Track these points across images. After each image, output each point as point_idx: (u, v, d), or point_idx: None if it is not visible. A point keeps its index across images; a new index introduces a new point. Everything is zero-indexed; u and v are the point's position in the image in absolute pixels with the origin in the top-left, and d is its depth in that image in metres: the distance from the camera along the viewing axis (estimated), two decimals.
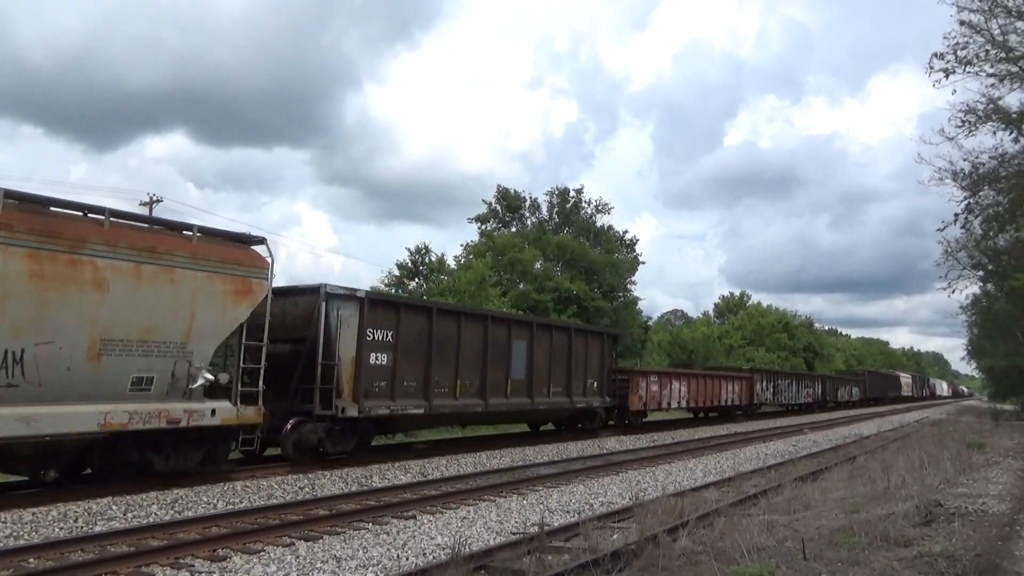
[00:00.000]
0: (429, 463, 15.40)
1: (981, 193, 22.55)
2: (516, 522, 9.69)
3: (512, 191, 44.43)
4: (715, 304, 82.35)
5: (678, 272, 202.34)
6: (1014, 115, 20.48)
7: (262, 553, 7.83)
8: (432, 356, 16.08)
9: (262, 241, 12.53)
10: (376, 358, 14.66)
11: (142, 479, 11.27)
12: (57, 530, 8.64)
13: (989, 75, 19.99)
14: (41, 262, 9.23)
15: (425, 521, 9.66)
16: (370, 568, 7.38)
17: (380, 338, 14.78)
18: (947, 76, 19.63)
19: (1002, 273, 29.35)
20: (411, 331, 15.60)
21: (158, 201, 37.57)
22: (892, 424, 34.20)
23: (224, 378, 11.83)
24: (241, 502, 10.72)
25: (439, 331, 16.32)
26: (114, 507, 9.87)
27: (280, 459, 13.87)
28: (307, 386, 13.74)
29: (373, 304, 14.87)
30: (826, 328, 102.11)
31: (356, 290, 14.83)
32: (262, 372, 12.25)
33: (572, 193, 45.06)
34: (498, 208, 44.22)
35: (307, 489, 11.95)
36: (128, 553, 7.44)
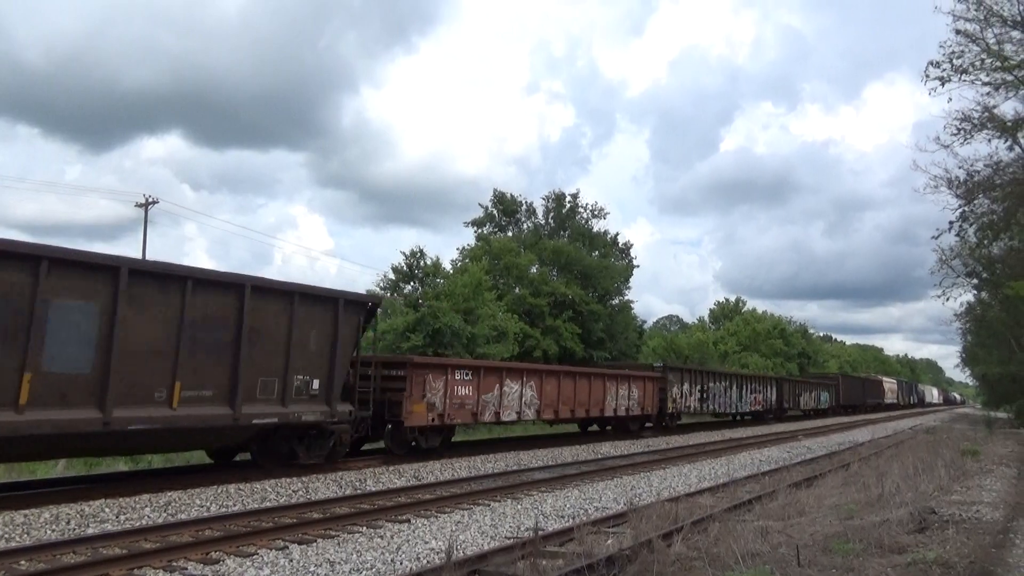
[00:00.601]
0: (423, 467, 15.36)
1: (976, 201, 22.70)
2: (511, 526, 9.67)
3: (508, 195, 44.47)
4: (710, 310, 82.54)
5: (673, 278, 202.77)
6: (1009, 123, 20.62)
7: (255, 556, 7.80)
8: None
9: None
10: None
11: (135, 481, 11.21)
12: (49, 532, 8.60)
13: (984, 83, 20.17)
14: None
15: (419, 525, 9.64)
16: (364, 572, 7.36)
17: None
18: (943, 84, 19.80)
19: (996, 281, 29.49)
20: None
21: (154, 203, 37.53)
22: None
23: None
24: (234, 505, 10.68)
25: None
26: (107, 509, 9.82)
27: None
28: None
29: None
30: (821, 334, 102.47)
31: None
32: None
33: (568, 198, 45.16)
34: (494, 212, 44.25)
35: (301, 492, 11.92)
36: (121, 555, 7.40)
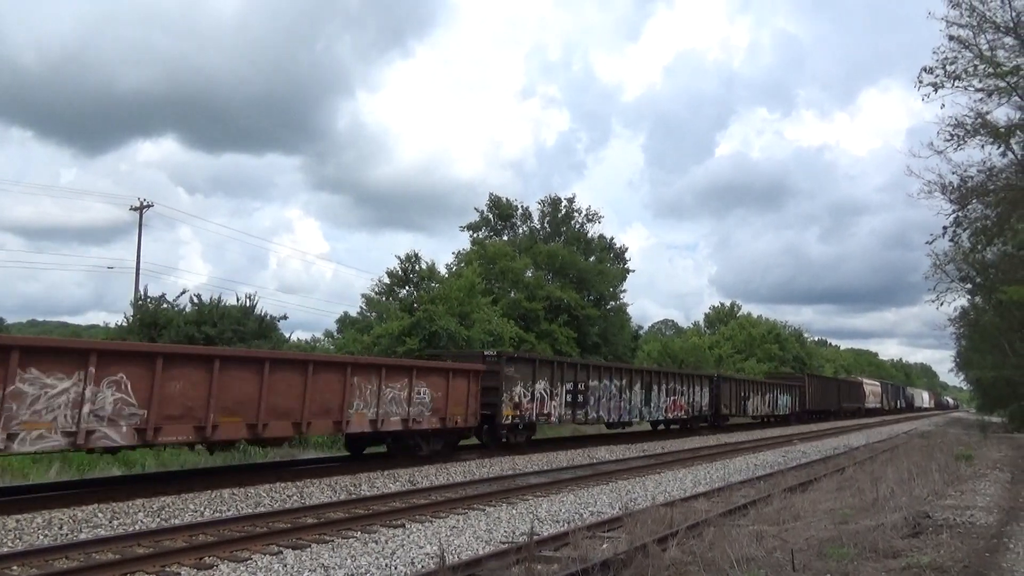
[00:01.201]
0: (418, 471, 15.34)
1: (969, 206, 22.77)
2: (505, 531, 9.65)
3: (504, 199, 44.53)
4: (705, 314, 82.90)
5: (669, 282, 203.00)
6: (1002, 129, 20.70)
7: (249, 561, 7.77)
8: None
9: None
10: None
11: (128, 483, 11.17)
12: (42, 537, 8.55)
13: (977, 89, 20.25)
14: None
15: (414, 530, 9.62)
16: None
17: None
18: (936, 90, 19.86)
19: (990, 286, 29.61)
20: None
21: (149, 206, 37.49)
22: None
23: None
24: (228, 510, 10.65)
25: None
26: (100, 514, 9.78)
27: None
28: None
29: None
30: (816, 339, 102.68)
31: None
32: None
33: (564, 202, 45.22)
34: (490, 216, 44.28)
35: (295, 497, 11.88)
36: (113, 561, 7.37)
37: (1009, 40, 19.79)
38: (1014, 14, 19.49)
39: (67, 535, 8.72)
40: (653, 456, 20.37)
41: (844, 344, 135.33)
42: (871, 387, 66.77)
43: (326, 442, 20.83)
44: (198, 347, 16.54)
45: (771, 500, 11.49)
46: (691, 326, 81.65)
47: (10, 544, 8.17)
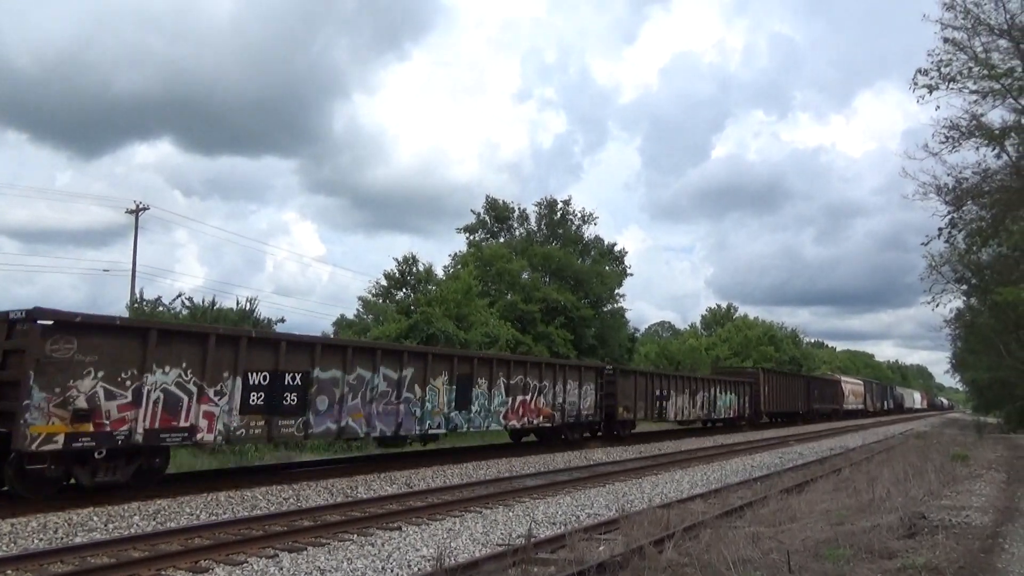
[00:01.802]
0: (415, 474, 15.32)
1: (964, 208, 22.82)
2: (502, 533, 9.65)
3: (501, 202, 44.53)
4: (702, 316, 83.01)
5: (665, 284, 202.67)
6: (996, 131, 20.76)
7: (245, 565, 7.75)
8: None
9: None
10: None
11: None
12: (36, 541, 8.53)
13: (972, 92, 20.30)
14: None
15: (410, 532, 9.61)
16: None
17: None
18: (931, 92, 19.90)
19: (985, 287, 29.63)
20: None
21: (145, 209, 37.45)
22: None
23: None
24: (224, 513, 10.62)
25: None
26: (95, 518, 9.75)
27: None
28: None
29: None
30: (812, 341, 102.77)
31: None
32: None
33: (560, 204, 45.24)
34: (487, 218, 44.29)
35: (291, 500, 11.87)
36: (109, 565, 7.34)
37: (1003, 42, 19.86)
38: (1008, 17, 19.57)
39: (62, 539, 8.69)
40: (650, 457, 20.38)
41: (840, 346, 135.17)
42: (851, 386, 58.57)
43: (322, 444, 20.76)
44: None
45: (767, 501, 11.51)
46: (688, 328, 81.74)
47: (5, 548, 8.14)
